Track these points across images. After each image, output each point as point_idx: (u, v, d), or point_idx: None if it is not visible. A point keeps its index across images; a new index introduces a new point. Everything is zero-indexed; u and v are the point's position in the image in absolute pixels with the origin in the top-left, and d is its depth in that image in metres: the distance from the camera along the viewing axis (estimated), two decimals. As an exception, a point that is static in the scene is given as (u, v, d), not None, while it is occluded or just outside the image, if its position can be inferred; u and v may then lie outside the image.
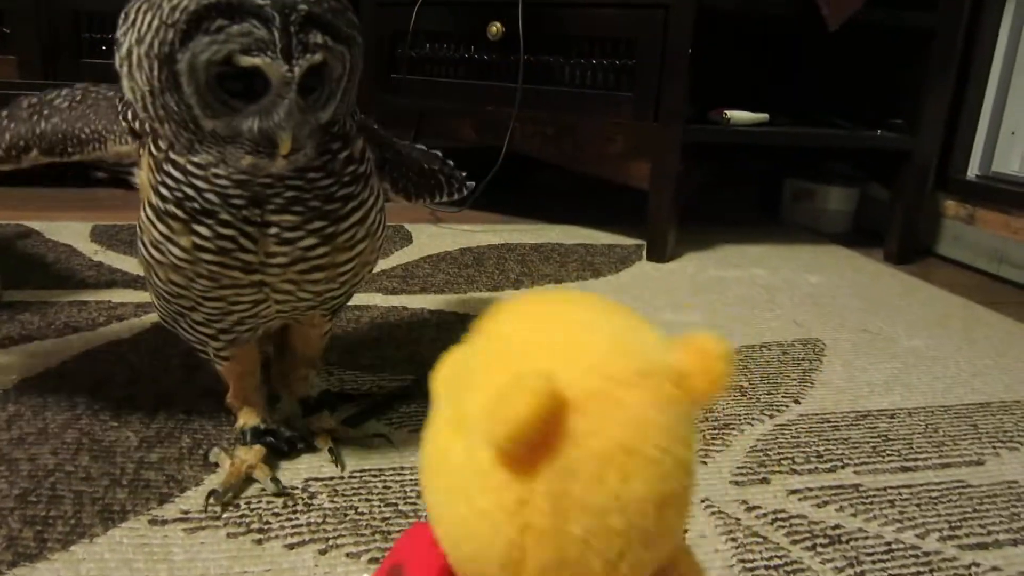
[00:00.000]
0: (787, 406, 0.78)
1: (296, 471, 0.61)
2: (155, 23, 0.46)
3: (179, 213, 0.50)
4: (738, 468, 0.66)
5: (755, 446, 0.69)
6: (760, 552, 0.55)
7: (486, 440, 0.29)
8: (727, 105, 1.35)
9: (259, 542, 0.53)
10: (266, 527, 0.54)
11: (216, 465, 0.61)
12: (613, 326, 0.33)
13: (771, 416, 0.75)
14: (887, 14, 1.31)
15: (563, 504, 0.29)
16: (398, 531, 0.55)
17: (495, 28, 1.40)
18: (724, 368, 0.32)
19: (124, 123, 0.55)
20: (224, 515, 0.55)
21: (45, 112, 0.57)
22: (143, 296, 0.96)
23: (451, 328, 0.94)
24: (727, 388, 0.32)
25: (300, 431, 0.65)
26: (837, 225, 1.62)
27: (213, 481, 0.59)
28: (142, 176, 0.53)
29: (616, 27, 1.30)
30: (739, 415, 0.75)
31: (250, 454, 0.61)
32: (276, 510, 0.56)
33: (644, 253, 1.33)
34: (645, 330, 0.33)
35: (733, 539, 0.56)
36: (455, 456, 0.32)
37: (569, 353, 0.31)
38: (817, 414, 0.77)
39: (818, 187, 1.62)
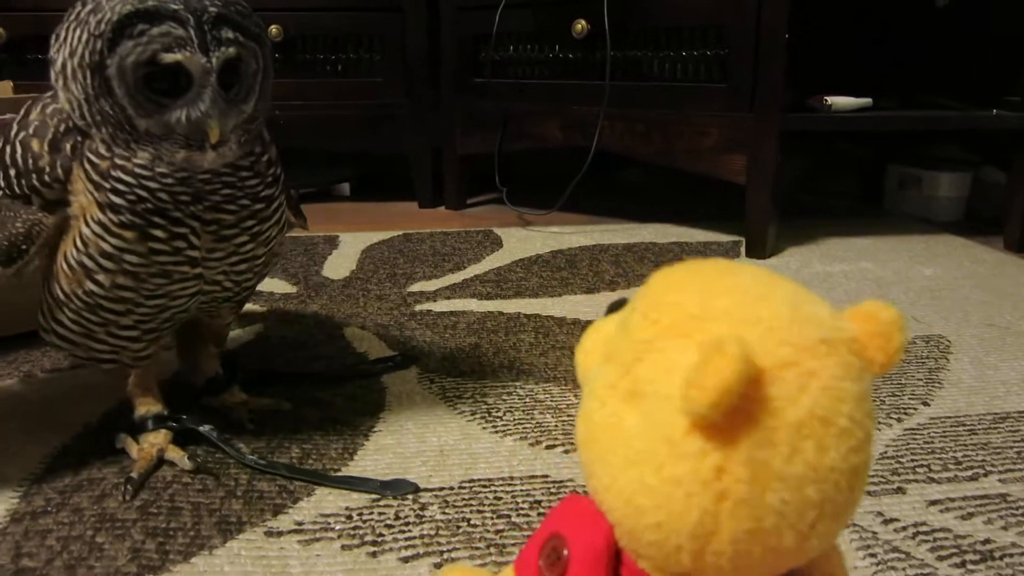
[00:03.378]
0: (915, 408, 0.73)
1: (406, 478, 0.60)
2: (84, 36, 0.53)
3: (135, 220, 0.55)
4: (869, 476, 0.61)
5: (885, 452, 0.65)
6: (904, 570, 0.51)
7: (685, 407, 0.29)
8: (826, 90, 1.29)
9: (374, 555, 0.52)
10: (380, 539, 0.54)
11: (122, 451, 0.64)
12: (786, 294, 0.32)
13: (899, 420, 0.71)
14: (1001, -15, 1.23)
15: (761, 473, 0.29)
16: (514, 544, 0.53)
17: (580, 25, 1.38)
18: (900, 337, 0.32)
19: (31, 195, 0.57)
20: (338, 527, 0.55)
21: None
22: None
23: (550, 333, 0.92)
24: (894, 356, 0.32)
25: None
26: (948, 213, 1.52)
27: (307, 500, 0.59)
28: (75, 206, 0.56)
29: (705, 15, 1.26)
30: (863, 419, 0.71)
31: (159, 437, 0.64)
32: (388, 522, 0.56)
33: (743, 249, 1.28)
34: (815, 298, 0.33)
35: (872, 555, 0.52)
36: (631, 425, 0.32)
37: (753, 321, 0.31)
38: (950, 417, 0.71)
39: (926, 173, 1.53)
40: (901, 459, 0.64)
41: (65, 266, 0.58)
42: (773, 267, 1.20)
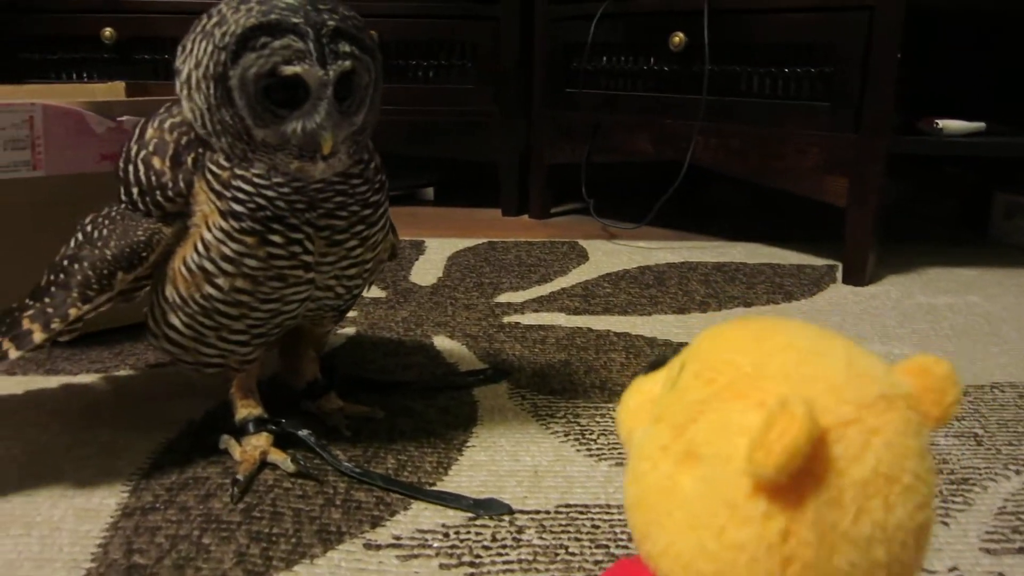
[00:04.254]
0: (1036, 458, 0.69)
1: (501, 498, 0.60)
2: (209, 48, 0.54)
3: (255, 226, 0.57)
4: (988, 533, 0.58)
5: (1004, 507, 0.61)
6: (1034, 637, 0.48)
7: (752, 470, 0.29)
8: (936, 112, 1.23)
9: (472, 576, 0.52)
10: (477, 560, 0.53)
11: (225, 451, 0.65)
12: (840, 350, 0.32)
13: (1017, 472, 0.67)
14: None
15: (829, 535, 0.29)
16: (613, 576, 0.52)
17: (678, 38, 1.35)
18: (955, 392, 0.32)
19: (154, 209, 0.59)
20: (435, 544, 0.55)
21: (98, 242, 0.60)
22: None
23: (640, 353, 0.90)
24: (957, 413, 0.33)
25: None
26: (1060, 245, 1.44)
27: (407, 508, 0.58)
28: (197, 215, 0.58)
29: (811, 32, 1.22)
30: (978, 468, 0.67)
31: (261, 440, 0.64)
32: (486, 543, 0.55)
33: (839, 275, 1.24)
34: (868, 353, 0.33)
35: (997, 618, 0.49)
36: (688, 488, 0.31)
37: (810, 380, 0.31)
38: (1075, 470, 0.67)
39: (1037, 203, 1.46)
40: (1022, 516, 0.60)
41: (184, 270, 0.59)
42: (872, 296, 1.16)
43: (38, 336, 0.59)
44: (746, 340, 0.34)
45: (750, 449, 0.28)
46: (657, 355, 0.38)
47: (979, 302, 1.13)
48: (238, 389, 0.67)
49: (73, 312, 0.59)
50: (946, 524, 0.59)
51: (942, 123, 1.21)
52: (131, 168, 0.60)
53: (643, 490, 0.34)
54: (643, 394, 0.37)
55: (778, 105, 1.27)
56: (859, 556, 0.29)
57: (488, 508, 0.59)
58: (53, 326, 0.58)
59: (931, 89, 1.32)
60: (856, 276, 1.20)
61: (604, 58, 1.51)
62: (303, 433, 0.65)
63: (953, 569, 0.54)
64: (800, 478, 0.29)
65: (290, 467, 0.62)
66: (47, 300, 0.60)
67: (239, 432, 0.66)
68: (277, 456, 0.63)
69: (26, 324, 0.59)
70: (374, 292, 1.11)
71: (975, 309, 1.10)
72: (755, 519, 0.29)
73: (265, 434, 0.65)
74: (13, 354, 0.59)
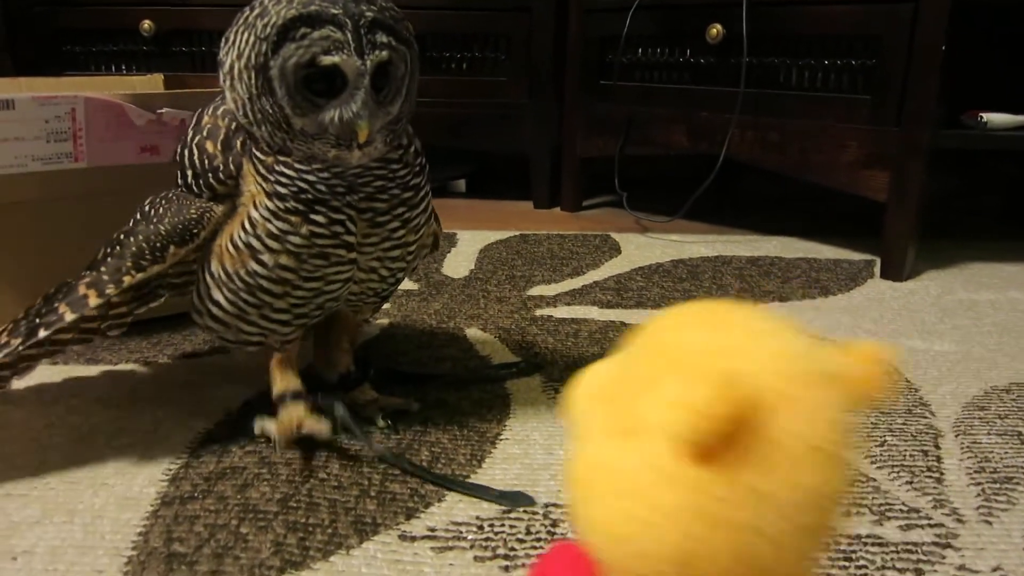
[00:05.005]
0: (1084, 461, 0.67)
1: (535, 494, 0.60)
2: (251, 39, 0.55)
3: (298, 207, 0.58)
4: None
5: (1056, 508, 0.60)
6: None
7: (668, 431, 0.30)
8: (980, 105, 1.20)
9: (506, 569, 0.52)
10: (512, 554, 0.53)
11: (262, 435, 0.66)
12: (784, 332, 0.34)
13: (1066, 472, 0.65)
14: None
15: (760, 502, 0.30)
16: (649, 573, 0.51)
17: (715, 30, 1.34)
18: (887, 374, 0.33)
19: (206, 191, 0.62)
20: (470, 536, 0.55)
21: (153, 219, 0.63)
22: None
23: (674, 347, 0.89)
24: (889, 392, 0.33)
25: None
26: (1107, 241, 1.40)
27: (446, 499, 0.59)
28: (245, 195, 0.60)
29: (853, 24, 1.20)
30: (1021, 467, 0.65)
31: (298, 410, 0.65)
32: (520, 536, 0.55)
33: (876, 270, 1.22)
34: (817, 339, 0.34)
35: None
36: (619, 461, 0.32)
37: (747, 356, 0.32)
38: (1126, 473, 0.65)
39: (1084, 197, 1.42)
40: (1071, 517, 0.59)
41: (231, 247, 0.61)
42: (911, 291, 1.14)
43: (93, 300, 0.61)
44: (696, 321, 0.35)
45: (675, 414, 0.29)
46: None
47: (1021, 298, 1.11)
48: (278, 364, 0.68)
49: (127, 280, 0.61)
50: (989, 523, 0.58)
51: (986, 116, 1.18)
52: (187, 153, 0.63)
53: (582, 467, 0.34)
54: (596, 377, 0.37)
55: (817, 98, 1.25)
56: (787, 522, 0.30)
57: (512, 500, 0.59)
58: (108, 292, 0.61)
59: (975, 82, 1.29)
60: (895, 271, 1.18)
61: (639, 50, 1.50)
62: (337, 408, 0.66)
63: (997, 569, 0.53)
64: (729, 445, 0.30)
65: (324, 434, 0.64)
66: (103, 269, 0.62)
67: (277, 403, 0.67)
68: (313, 425, 0.64)
69: (82, 290, 0.62)
70: (407, 284, 1.12)
71: (1018, 305, 1.07)
72: (684, 483, 0.30)
73: (302, 405, 0.66)
74: (69, 316, 0.61)
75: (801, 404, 0.31)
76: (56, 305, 0.62)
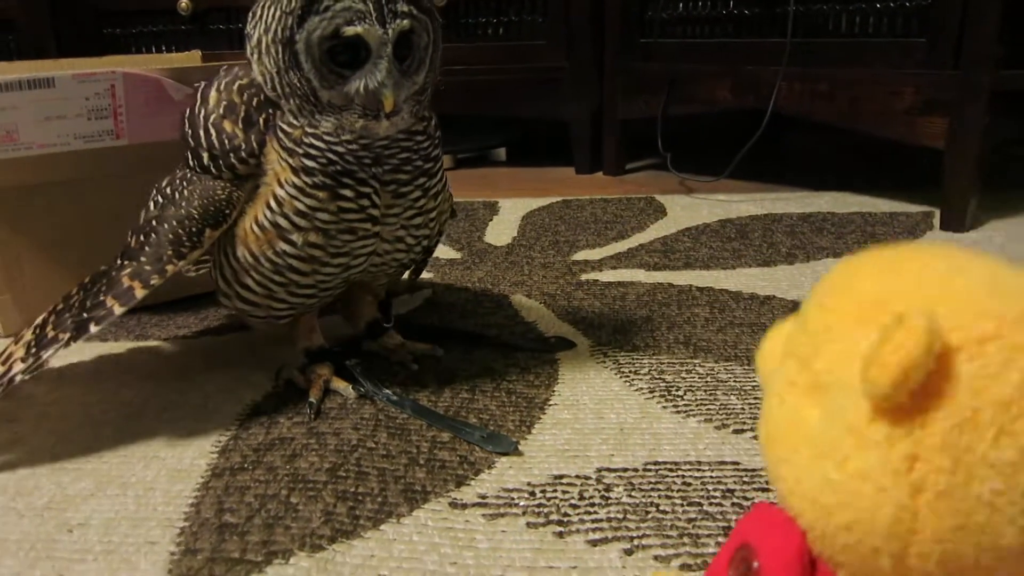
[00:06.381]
0: None
1: (587, 459, 0.58)
2: (277, 13, 0.56)
3: (326, 180, 0.59)
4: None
5: None
6: None
7: (866, 389, 0.27)
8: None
9: (560, 535, 0.50)
10: (565, 519, 0.52)
11: (288, 382, 0.70)
12: (983, 268, 0.30)
13: None
14: None
15: (965, 461, 0.26)
16: (707, 535, 0.50)
17: (758, -22, 1.28)
18: None
19: (226, 171, 0.61)
20: (522, 503, 0.54)
21: (181, 203, 0.62)
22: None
23: (725, 308, 0.87)
24: None
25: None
26: None
27: (502, 463, 0.58)
28: (269, 175, 0.60)
29: (906, -37, 1.14)
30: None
31: (324, 369, 0.69)
32: (573, 501, 0.54)
33: (936, 222, 1.17)
34: (1019, 271, 0.30)
35: None
36: (813, 419, 0.30)
37: (945, 298, 0.28)
38: None
39: None
40: None
41: (256, 228, 0.61)
42: (974, 242, 1.09)
43: (139, 292, 0.61)
44: (874, 267, 0.32)
45: (864, 367, 0.27)
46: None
47: (1096, 246, 1.05)
48: (300, 325, 0.70)
49: (171, 268, 0.61)
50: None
51: (1053, 54, 1.11)
52: (201, 133, 0.62)
53: (771, 427, 0.32)
54: (778, 335, 0.35)
55: (868, 44, 1.19)
56: (1003, 483, 0.26)
57: (495, 443, 0.60)
58: (152, 282, 0.61)
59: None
60: (956, 222, 1.13)
61: (680, 4, 1.45)
62: (349, 363, 0.69)
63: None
64: (925, 398, 0.26)
65: (351, 393, 0.67)
66: (143, 259, 0.62)
67: (302, 358, 0.70)
68: (339, 384, 0.68)
69: (126, 282, 0.62)
70: (450, 253, 1.11)
71: (1092, 254, 1.02)
72: (877, 444, 0.27)
73: (328, 364, 0.69)
74: (118, 310, 0.61)
75: (1010, 347, 0.27)
76: (103, 299, 0.62)
